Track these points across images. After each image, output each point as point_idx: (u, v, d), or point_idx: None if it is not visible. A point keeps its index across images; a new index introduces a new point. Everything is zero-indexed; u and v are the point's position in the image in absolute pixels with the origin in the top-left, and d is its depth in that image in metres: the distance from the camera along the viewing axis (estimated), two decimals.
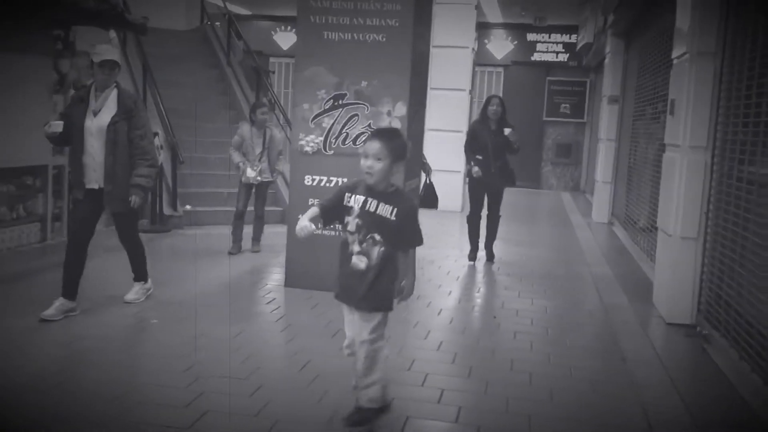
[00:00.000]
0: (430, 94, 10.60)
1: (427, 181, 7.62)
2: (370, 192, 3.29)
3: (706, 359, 4.85)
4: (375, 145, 3.25)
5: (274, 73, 17.53)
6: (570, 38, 17.08)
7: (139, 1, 9.76)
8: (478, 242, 7.77)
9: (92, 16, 7.04)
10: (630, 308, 6.03)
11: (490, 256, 7.85)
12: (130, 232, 5.33)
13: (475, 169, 7.44)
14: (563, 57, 17.25)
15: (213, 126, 10.60)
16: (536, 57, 17.38)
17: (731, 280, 4.90)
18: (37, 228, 7.37)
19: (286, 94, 16.86)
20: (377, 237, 3.24)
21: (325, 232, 5.94)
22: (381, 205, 3.26)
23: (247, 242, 7.65)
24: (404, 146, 3.36)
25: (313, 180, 6.03)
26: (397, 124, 5.83)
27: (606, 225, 11.39)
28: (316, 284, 5.84)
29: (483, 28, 16.73)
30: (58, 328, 4.74)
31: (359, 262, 3.28)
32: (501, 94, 16.79)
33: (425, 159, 7.59)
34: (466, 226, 7.87)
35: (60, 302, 4.93)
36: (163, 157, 8.71)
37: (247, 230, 7.65)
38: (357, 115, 5.91)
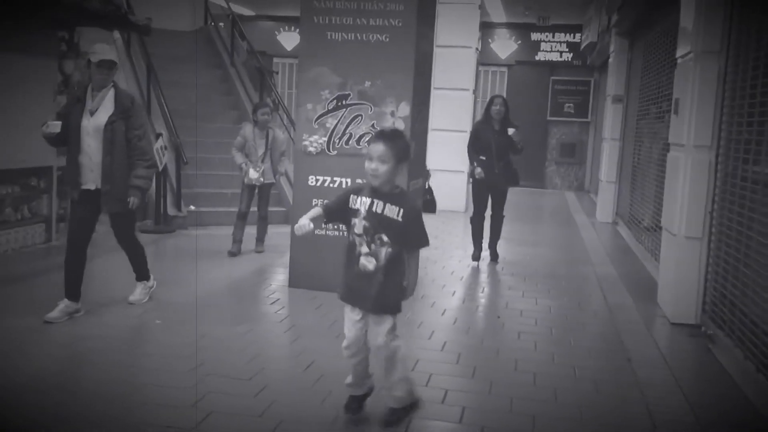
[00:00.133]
0: (434, 94, 10.56)
1: (426, 186, 7.61)
2: (376, 194, 3.31)
3: (710, 359, 4.84)
4: (379, 148, 3.26)
5: (277, 73, 17.53)
6: (574, 38, 17.05)
7: (142, 2, 9.79)
8: (481, 243, 7.76)
9: (96, 17, 7.05)
10: (634, 308, 6.02)
11: (494, 256, 7.84)
12: (128, 233, 5.29)
13: (478, 170, 7.42)
14: (567, 56, 17.22)
15: (217, 126, 10.62)
16: (540, 56, 17.35)
17: (736, 280, 4.88)
18: (42, 229, 7.39)
19: (290, 94, 16.87)
20: (384, 238, 3.27)
21: (329, 233, 5.96)
22: (387, 206, 3.28)
23: (250, 243, 7.65)
24: (408, 147, 3.39)
25: (317, 180, 6.04)
26: (400, 125, 5.83)
27: (610, 225, 11.37)
28: (320, 284, 5.84)
29: (486, 27, 16.71)
30: (61, 329, 4.75)
31: (368, 263, 3.29)
32: (505, 94, 16.90)
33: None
34: (470, 226, 7.86)
35: (64, 304, 4.94)
36: (167, 158, 8.73)
37: (251, 231, 7.65)
38: (360, 115, 5.91)
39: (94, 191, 4.96)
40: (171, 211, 8.89)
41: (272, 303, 5.74)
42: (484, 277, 7.25)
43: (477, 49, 12.49)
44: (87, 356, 4.33)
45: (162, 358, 4.27)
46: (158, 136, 8.75)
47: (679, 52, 5.92)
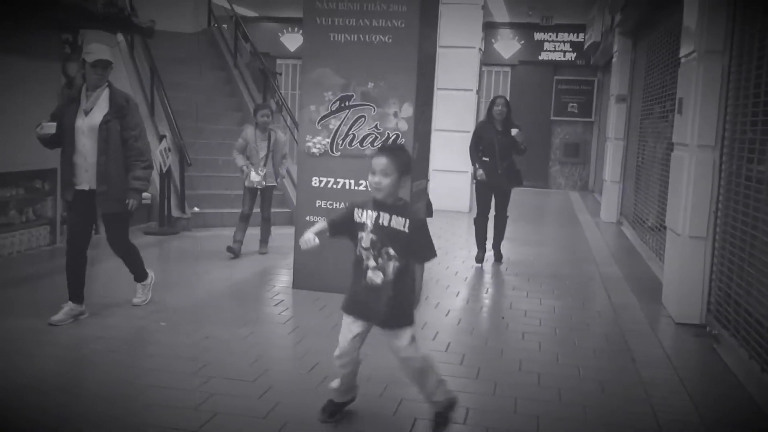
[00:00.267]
0: (437, 95, 10.60)
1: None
2: (381, 207, 3.33)
3: (715, 359, 4.83)
4: (382, 161, 3.28)
5: (281, 74, 17.56)
6: (577, 37, 17.04)
7: (146, 4, 9.82)
8: (485, 245, 7.74)
9: (100, 20, 7.07)
10: (639, 308, 6.01)
11: (498, 257, 7.84)
12: (121, 235, 5.18)
13: (479, 172, 7.41)
14: (571, 56, 17.21)
15: (220, 128, 10.64)
16: (544, 56, 17.35)
17: (740, 280, 4.87)
18: (47, 231, 7.41)
19: (294, 95, 16.89)
20: (391, 252, 3.28)
21: None
22: (393, 218, 3.30)
23: (254, 244, 7.65)
24: (409, 161, 3.41)
25: (320, 181, 6.04)
26: (403, 125, 5.83)
27: (614, 224, 11.36)
28: (324, 286, 5.85)
29: (490, 27, 16.72)
30: (64, 331, 4.76)
31: (375, 277, 3.31)
32: (508, 94, 16.95)
33: None
34: (473, 227, 7.85)
35: (68, 307, 4.94)
36: (170, 160, 8.74)
37: (254, 232, 7.65)
38: (364, 116, 5.91)
39: (88, 192, 4.91)
40: (175, 212, 8.91)
41: (276, 304, 5.74)
42: (488, 277, 7.24)
43: (480, 49, 12.48)
44: (90, 358, 4.34)
45: (166, 360, 4.28)
46: (162, 138, 8.77)
47: (682, 52, 5.91)
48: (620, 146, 11.61)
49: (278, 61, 18.23)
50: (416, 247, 3.32)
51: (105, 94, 4.94)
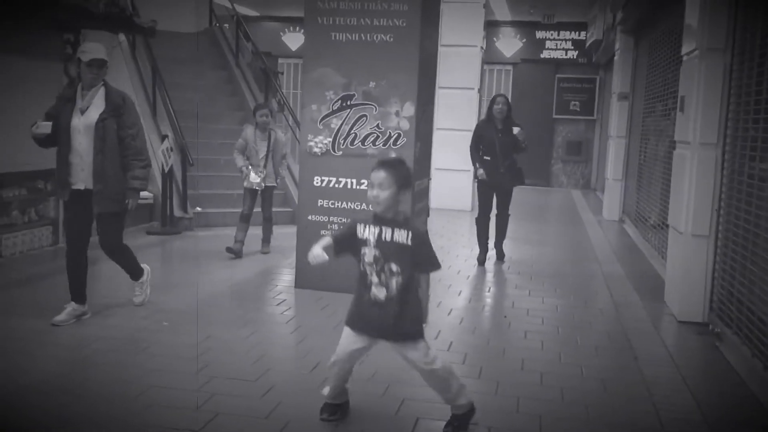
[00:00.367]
0: (439, 94, 10.59)
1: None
2: (382, 222, 3.34)
3: (717, 357, 4.82)
4: (380, 175, 3.29)
5: (282, 74, 17.57)
6: (579, 35, 17.03)
7: (147, 4, 9.82)
8: (487, 245, 7.72)
9: (101, 20, 7.08)
10: (641, 306, 6.01)
11: (500, 256, 7.82)
12: (115, 236, 5.10)
13: (480, 171, 7.40)
14: (572, 54, 17.20)
15: (222, 128, 10.64)
16: (545, 54, 17.33)
17: (743, 278, 4.87)
18: (49, 231, 7.41)
19: (296, 95, 16.89)
20: (394, 268, 3.28)
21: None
22: (395, 231, 3.31)
23: (256, 244, 7.65)
24: (409, 175, 3.40)
25: (322, 181, 6.04)
26: (405, 124, 5.83)
27: (617, 223, 11.35)
28: (326, 285, 5.85)
29: (491, 26, 16.70)
30: (66, 332, 4.77)
31: (379, 293, 3.32)
32: (510, 92, 16.95)
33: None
34: (476, 226, 7.84)
35: (71, 307, 4.95)
36: (173, 160, 8.74)
37: (257, 232, 7.65)
38: (365, 115, 5.91)
39: (84, 191, 4.87)
40: (177, 212, 8.92)
41: (278, 304, 5.74)
42: (490, 276, 7.24)
43: (482, 47, 12.47)
44: (92, 358, 4.34)
45: (168, 360, 4.28)
46: (164, 137, 8.77)
47: (684, 50, 5.90)
48: (622, 144, 11.60)
49: (280, 61, 18.24)
50: (420, 260, 3.33)
51: (101, 93, 4.91)
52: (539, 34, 17.27)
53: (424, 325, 3.40)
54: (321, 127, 6.00)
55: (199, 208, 9.22)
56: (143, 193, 5.68)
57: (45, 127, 4.88)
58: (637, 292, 6.52)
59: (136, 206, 5.06)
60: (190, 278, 6.51)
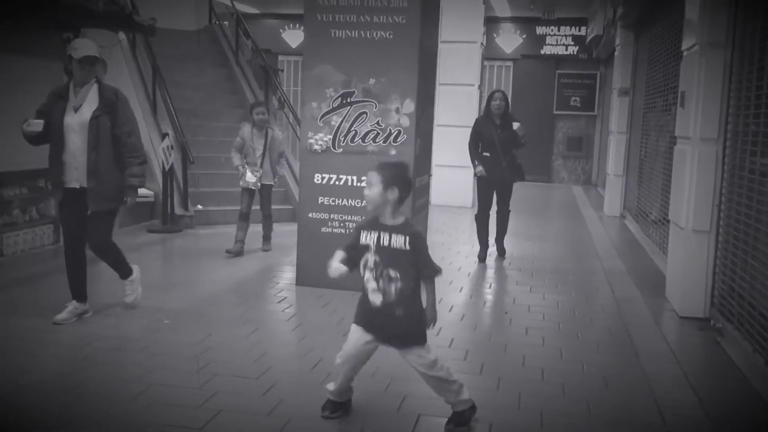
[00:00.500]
0: (439, 90, 10.59)
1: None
2: (381, 227, 3.34)
3: (719, 352, 4.82)
4: (370, 174, 3.35)
5: (282, 71, 17.56)
6: (579, 31, 17.00)
7: (147, 2, 9.81)
8: (487, 241, 7.71)
9: (101, 19, 7.07)
10: (642, 302, 6.01)
11: (501, 252, 7.82)
12: (105, 235, 5.01)
13: (479, 168, 7.38)
14: (573, 50, 17.17)
15: (222, 125, 10.63)
16: (546, 50, 17.31)
17: (744, 273, 4.86)
18: (50, 230, 7.42)
19: (296, 92, 16.88)
20: (392, 274, 3.29)
21: (335, 230, 5.98)
22: (393, 236, 3.31)
23: (257, 242, 7.65)
24: (400, 175, 3.36)
25: (323, 178, 6.04)
26: (405, 121, 5.82)
27: (618, 218, 11.35)
28: (327, 282, 5.77)
29: (491, 22, 16.68)
30: (67, 330, 4.77)
31: (375, 299, 3.34)
32: (510, 88, 16.93)
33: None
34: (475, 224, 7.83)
35: (72, 306, 4.94)
36: (173, 158, 8.74)
37: (257, 230, 7.65)
38: (365, 112, 5.90)
39: (79, 190, 4.81)
40: (178, 210, 8.92)
41: (279, 301, 5.74)
42: (491, 272, 7.24)
43: (482, 43, 12.46)
44: (93, 357, 4.34)
45: (169, 358, 4.28)
46: (164, 135, 8.77)
47: (684, 45, 5.89)
48: (623, 140, 11.59)
49: (280, 58, 18.23)
50: (420, 266, 3.34)
51: (94, 90, 4.85)
52: (539, 30, 17.25)
53: (429, 329, 3.41)
54: (321, 125, 6.00)
55: (200, 206, 9.22)
56: (142, 191, 5.67)
57: (36, 125, 4.81)
58: (638, 287, 6.52)
59: (132, 203, 5.02)
60: (190, 276, 6.51)
